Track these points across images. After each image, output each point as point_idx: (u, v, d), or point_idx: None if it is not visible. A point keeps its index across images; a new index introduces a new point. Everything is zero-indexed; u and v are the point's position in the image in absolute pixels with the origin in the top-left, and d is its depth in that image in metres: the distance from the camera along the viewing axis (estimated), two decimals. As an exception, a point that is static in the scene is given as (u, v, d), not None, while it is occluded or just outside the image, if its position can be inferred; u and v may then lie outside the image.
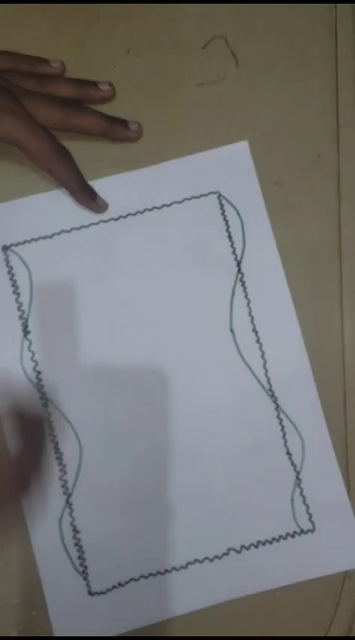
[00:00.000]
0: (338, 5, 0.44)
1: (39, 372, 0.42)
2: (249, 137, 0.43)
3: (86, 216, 0.43)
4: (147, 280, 0.43)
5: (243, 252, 0.43)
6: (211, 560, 0.41)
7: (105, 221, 0.43)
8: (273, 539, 0.41)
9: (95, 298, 0.42)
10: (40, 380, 0.42)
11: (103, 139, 0.43)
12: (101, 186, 0.43)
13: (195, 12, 0.44)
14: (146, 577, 0.41)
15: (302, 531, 0.41)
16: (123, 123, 0.43)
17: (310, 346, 0.42)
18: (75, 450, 0.41)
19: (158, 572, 0.41)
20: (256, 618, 0.41)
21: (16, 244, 0.43)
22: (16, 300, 0.42)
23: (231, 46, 0.44)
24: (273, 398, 0.42)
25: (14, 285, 0.42)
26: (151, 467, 0.41)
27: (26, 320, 0.42)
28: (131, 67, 0.44)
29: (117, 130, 0.42)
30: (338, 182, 0.43)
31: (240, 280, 0.43)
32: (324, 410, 0.42)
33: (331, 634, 0.41)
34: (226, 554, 0.41)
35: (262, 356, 0.42)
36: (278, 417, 0.42)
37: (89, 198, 0.42)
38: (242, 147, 0.43)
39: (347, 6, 0.44)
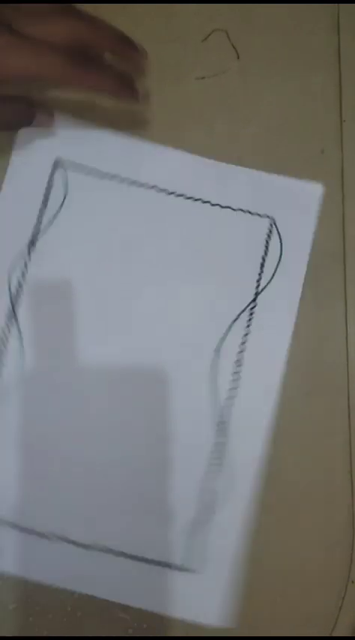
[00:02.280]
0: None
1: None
2: (251, 132, 0.43)
3: (144, 176, 0.42)
4: (164, 270, 0.42)
5: (266, 286, 0.42)
6: (76, 545, 0.40)
7: (160, 190, 0.42)
8: (149, 560, 0.40)
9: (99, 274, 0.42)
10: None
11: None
12: (169, 155, 0.42)
13: (195, 5, 0.44)
14: (21, 529, 0.40)
15: (181, 567, 0.40)
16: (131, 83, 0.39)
17: (313, 347, 0.42)
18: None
19: (31, 529, 0.40)
20: (258, 624, 0.40)
21: (71, 165, 0.42)
22: (42, 204, 0.42)
23: (232, 39, 0.44)
24: (220, 432, 0.41)
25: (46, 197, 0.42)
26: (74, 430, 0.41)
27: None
28: (130, 61, 0.43)
29: (124, 92, 0.39)
30: (342, 178, 0.43)
31: (250, 309, 0.42)
32: (328, 413, 0.41)
33: None
34: (92, 547, 0.40)
35: (232, 390, 0.41)
36: (212, 452, 0.41)
37: (128, 93, 0.39)
38: (315, 189, 0.42)
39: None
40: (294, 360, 0.42)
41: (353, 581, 0.41)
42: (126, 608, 0.40)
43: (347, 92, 0.43)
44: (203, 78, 0.43)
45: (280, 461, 0.41)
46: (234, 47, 0.44)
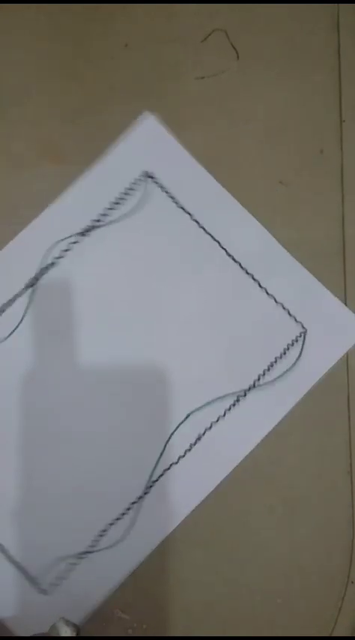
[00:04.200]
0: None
1: None
2: (250, 132, 0.43)
3: (213, 228, 0.42)
4: (189, 321, 0.42)
5: (263, 385, 0.41)
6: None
7: (221, 247, 0.42)
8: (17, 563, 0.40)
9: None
10: None
11: None
12: (245, 223, 0.42)
13: (195, 5, 0.44)
14: None
15: (35, 582, 0.40)
16: None
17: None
18: None
19: None
20: (258, 624, 0.41)
21: (155, 183, 0.43)
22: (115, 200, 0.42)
23: (232, 39, 0.43)
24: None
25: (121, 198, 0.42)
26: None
27: None
28: (129, 61, 0.43)
29: None
30: (342, 178, 0.43)
31: (238, 396, 0.41)
32: (328, 413, 0.41)
33: None
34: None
35: (186, 451, 0.41)
36: (147, 483, 0.41)
37: None
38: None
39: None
40: (294, 360, 0.42)
41: (352, 582, 0.41)
42: (126, 609, 0.40)
43: (347, 92, 0.43)
44: (202, 78, 0.43)
45: (280, 461, 0.41)
46: (233, 47, 0.44)
